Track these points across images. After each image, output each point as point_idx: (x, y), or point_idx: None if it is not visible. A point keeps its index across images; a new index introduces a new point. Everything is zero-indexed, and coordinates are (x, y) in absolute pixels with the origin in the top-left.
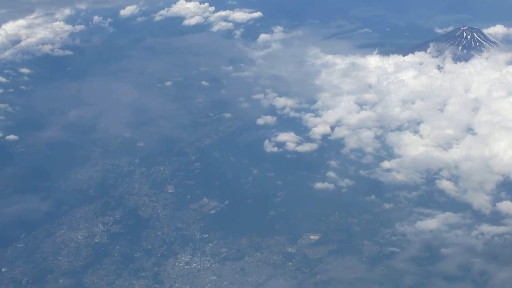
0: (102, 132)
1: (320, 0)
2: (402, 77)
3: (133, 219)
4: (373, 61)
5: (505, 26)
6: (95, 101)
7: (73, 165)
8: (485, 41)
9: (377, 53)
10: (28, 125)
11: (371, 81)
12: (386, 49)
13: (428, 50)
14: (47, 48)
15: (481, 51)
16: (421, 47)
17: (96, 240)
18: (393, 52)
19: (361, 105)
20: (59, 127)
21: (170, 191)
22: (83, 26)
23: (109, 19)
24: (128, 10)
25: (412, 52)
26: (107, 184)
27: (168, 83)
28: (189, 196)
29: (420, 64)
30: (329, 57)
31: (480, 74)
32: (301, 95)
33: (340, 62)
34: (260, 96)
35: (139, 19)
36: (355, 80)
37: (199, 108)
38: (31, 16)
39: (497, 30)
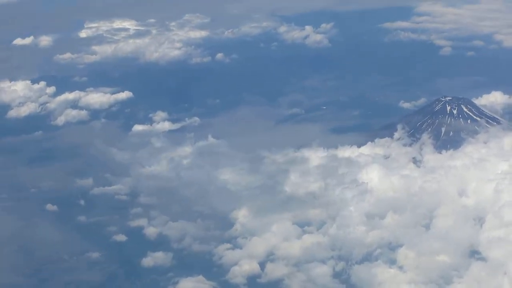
0: None
1: (216, 75)
2: (362, 179)
3: None
4: (314, 156)
5: (505, 94)
6: None
7: None
8: (480, 117)
9: (318, 145)
10: None
11: (314, 188)
12: (331, 138)
13: (396, 135)
14: None
15: (476, 132)
16: (385, 131)
17: None
18: (343, 142)
19: (303, 225)
20: None
21: None
22: None
23: None
24: None
25: (372, 140)
26: None
27: None
28: None
29: (387, 157)
30: (242, 155)
31: (479, 168)
32: (207, 216)
33: (259, 161)
34: (143, 222)
35: None
36: (288, 188)
37: (44, 245)
38: None
39: (494, 99)
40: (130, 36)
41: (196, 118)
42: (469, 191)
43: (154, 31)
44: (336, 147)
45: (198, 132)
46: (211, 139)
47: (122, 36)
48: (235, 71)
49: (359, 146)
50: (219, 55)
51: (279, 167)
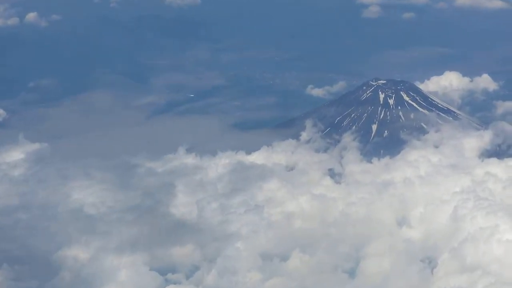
0: None
1: (30, 44)
2: (255, 201)
3: None
4: (180, 165)
5: (463, 75)
6: None
7: None
8: (429, 109)
9: (187, 151)
10: None
11: (185, 214)
12: (213, 138)
13: (304, 136)
14: None
15: (423, 131)
16: (287, 129)
17: None
18: (228, 144)
19: (166, 271)
20: None
21: None
22: None
23: None
24: None
25: (269, 143)
26: None
27: None
28: None
29: (291, 168)
30: (101, 163)
31: (428, 184)
32: (19, 258)
33: (129, 172)
34: None
35: None
36: (158, 212)
37: None
38: None
39: (447, 83)
40: None
41: (1, 111)
42: (414, 218)
43: None
44: (215, 154)
45: (6, 131)
46: (25, 142)
47: None
48: (59, 39)
49: (249, 152)
50: (31, 16)
51: (160, 180)
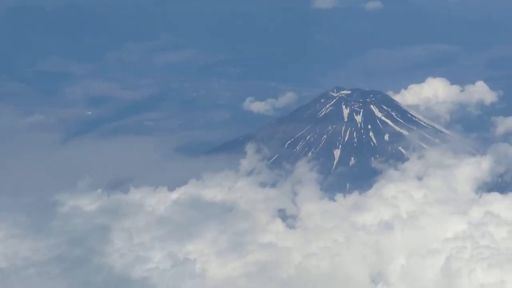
0: None
1: None
2: (184, 253)
3: None
4: (84, 204)
5: (452, 83)
6: None
7: None
8: (408, 127)
9: (87, 187)
10: None
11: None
12: (119, 174)
13: (244, 165)
14: None
15: (401, 158)
16: (221, 157)
17: None
18: (139, 181)
19: None
20: None
21: None
22: None
23: None
24: None
25: (198, 176)
26: None
27: None
28: None
29: (229, 210)
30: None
31: (409, 227)
32: None
33: (49, 211)
34: None
35: None
36: (67, 275)
37: None
38: None
39: (431, 93)
40: None
41: None
42: (393, 273)
43: None
44: (126, 192)
45: None
46: None
47: None
48: None
49: (172, 188)
50: None
51: (86, 222)
